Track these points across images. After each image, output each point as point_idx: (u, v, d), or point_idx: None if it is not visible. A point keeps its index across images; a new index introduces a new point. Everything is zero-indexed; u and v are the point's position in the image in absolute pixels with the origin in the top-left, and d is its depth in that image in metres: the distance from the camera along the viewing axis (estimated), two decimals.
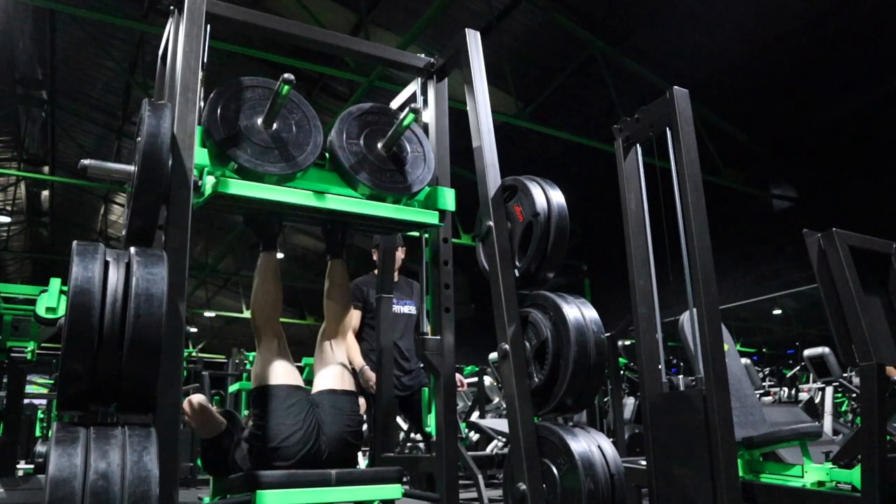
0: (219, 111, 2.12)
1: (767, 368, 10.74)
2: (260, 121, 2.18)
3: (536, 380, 2.28)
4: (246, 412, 6.67)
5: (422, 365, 3.58)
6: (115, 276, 1.55)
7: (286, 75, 2.03)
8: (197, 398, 2.40)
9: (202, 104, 2.13)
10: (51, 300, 4.45)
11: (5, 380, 5.33)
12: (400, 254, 3.90)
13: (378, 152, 2.38)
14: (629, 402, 7.24)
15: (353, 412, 2.43)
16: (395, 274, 3.98)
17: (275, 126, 2.20)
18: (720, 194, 9.42)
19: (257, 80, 2.28)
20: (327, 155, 2.33)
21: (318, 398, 2.43)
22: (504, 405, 2.41)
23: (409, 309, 4.21)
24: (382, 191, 2.33)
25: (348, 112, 2.42)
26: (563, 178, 2.67)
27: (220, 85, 2.20)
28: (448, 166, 2.69)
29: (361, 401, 2.59)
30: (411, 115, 2.27)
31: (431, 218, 2.45)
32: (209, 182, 2.08)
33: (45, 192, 16.81)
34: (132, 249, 1.63)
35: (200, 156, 2.08)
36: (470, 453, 4.93)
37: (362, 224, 2.58)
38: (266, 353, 2.43)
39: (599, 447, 2.16)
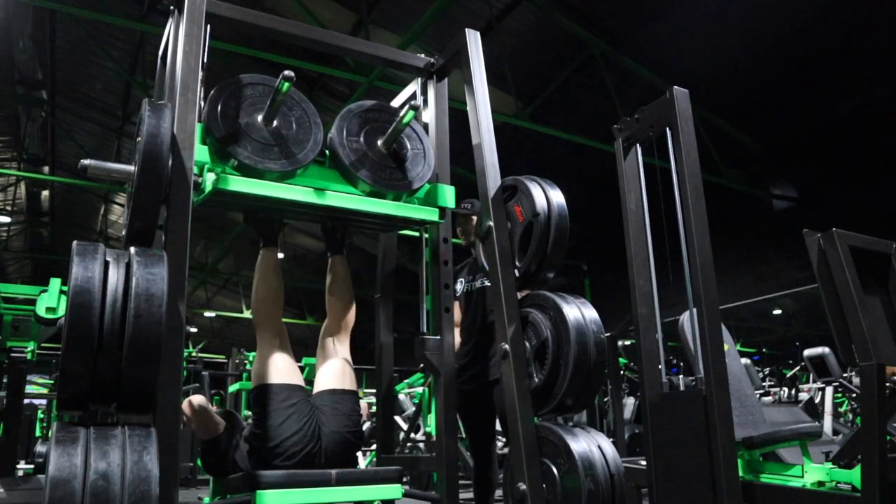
0: (219, 108, 2.13)
1: (767, 368, 10.73)
2: (260, 118, 2.18)
3: (536, 380, 2.28)
4: (246, 412, 6.68)
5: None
6: (115, 276, 1.55)
7: (286, 72, 2.04)
8: (197, 399, 2.40)
9: (202, 104, 2.14)
10: (51, 300, 4.45)
11: (5, 380, 5.33)
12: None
13: (378, 149, 2.38)
14: (629, 402, 7.25)
15: (353, 412, 2.43)
16: None
17: (275, 123, 2.20)
18: (720, 194, 9.42)
19: (257, 77, 2.28)
20: (327, 152, 2.33)
21: (319, 397, 2.43)
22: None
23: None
24: (382, 188, 2.34)
25: (348, 109, 2.42)
26: (563, 178, 2.67)
27: (219, 83, 2.20)
28: (448, 166, 2.69)
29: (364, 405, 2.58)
30: (411, 113, 2.28)
31: (431, 215, 2.46)
32: (209, 179, 2.08)
33: (45, 192, 16.80)
34: (132, 249, 1.63)
35: (201, 153, 2.08)
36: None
37: (362, 221, 2.58)
38: (267, 350, 2.42)
39: (599, 447, 2.16)
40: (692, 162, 2.26)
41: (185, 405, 2.36)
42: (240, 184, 2.11)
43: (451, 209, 2.58)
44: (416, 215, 2.44)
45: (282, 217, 2.60)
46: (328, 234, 2.70)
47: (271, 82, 2.23)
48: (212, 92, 2.16)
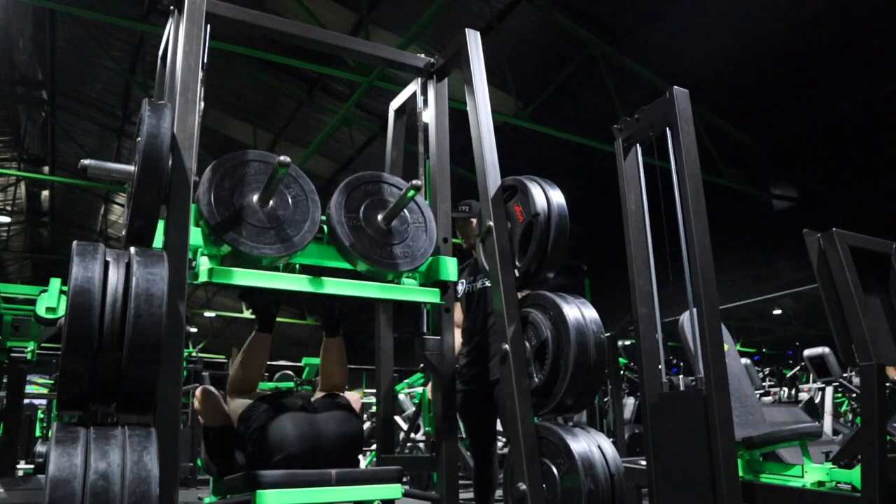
0: (213, 192, 2.06)
1: (767, 368, 10.73)
2: (255, 198, 2.12)
3: (536, 380, 2.28)
4: None
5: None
6: (115, 276, 1.55)
7: (282, 158, 1.97)
8: (207, 386, 2.47)
9: (202, 105, 2.13)
10: (51, 300, 4.45)
11: (5, 380, 5.34)
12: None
13: (377, 225, 2.32)
14: (629, 402, 7.25)
15: (353, 411, 2.43)
16: None
17: (271, 203, 2.14)
18: (720, 194, 9.42)
19: (253, 154, 2.23)
20: (325, 228, 2.29)
21: (319, 398, 2.43)
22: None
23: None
24: (382, 269, 2.28)
25: (347, 183, 2.37)
26: (563, 178, 2.66)
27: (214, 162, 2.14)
28: (448, 167, 2.69)
29: (356, 398, 2.58)
30: (412, 192, 2.24)
31: (433, 297, 2.40)
32: (203, 264, 2.04)
33: (45, 192, 16.81)
34: (132, 249, 1.63)
35: (194, 236, 2.03)
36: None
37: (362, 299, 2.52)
38: (238, 402, 2.41)
39: (599, 447, 2.16)
40: (692, 162, 2.26)
41: (197, 391, 2.43)
42: (236, 276, 2.05)
43: (454, 281, 2.52)
44: (416, 298, 2.39)
45: (279, 300, 2.52)
46: (327, 312, 2.62)
47: (267, 159, 2.19)
48: (205, 172, 2.09)
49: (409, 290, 2.37)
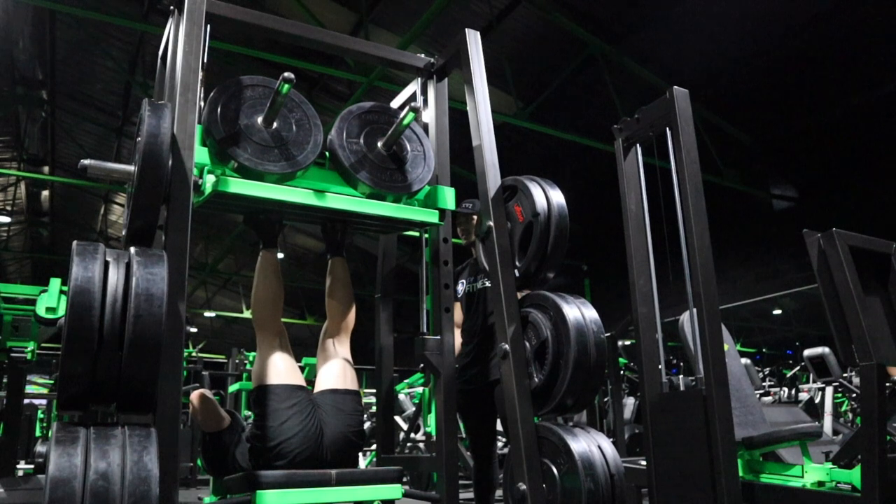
0: (219, 110, 2.12)
1: (767, 368, 10.74)
2: (260, 119, 2.18)
3: (536, 380, 2.28)
4: (246, 412, 6.68)
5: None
6: (115, 276, 1.55)
7: (286, 74, 2.04)
8: (203, 390, 2.44)
9: (202, 104, 2.13)
10: (51, 300, 4.45)
11: (5, 380, 5.33)
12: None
13: (378, 151, 2.38)
14: (629, 402, 7.24)
15: (355, 411, 2.42)
16: None
17: (275, 125, 2.20)
18: (720, 194, 9.42)
19: (257, 78, 2.28)
20: (327, 154, 2.33)
21: (320, 397, 2.43)
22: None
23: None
24: (382, 190, 2.33)
25: (348, 111, 2.42)
26: (563, 178, 2.67)
27: (219, 84, 2.20)
28: (448, 166, 2.69)
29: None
30: (411, 114, 2.27)
31: (431, 217, 2.45)
32: (209, 180, 2.08)
33: (45, 192, 16.80)
34: (132, 249, 1.63)
35: (201, 154, 2.08)
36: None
37: (362, 223, 2.58)
38: (266, 351, 2.42)
39: (599, 447, 2.16)
40: (692, 162, 2.26)
41: (193, 396, 2.41)
42: (239, 186, 2.11)
43: (452, 210, 2.58)
44: (416, 217, 2.44)
45: (281, 219, 2.59)
46: (328, 235, 2.69)
47: (271, 84, 2.23)
48: (211, 94, 2.16)
49: (409, 210, 2.42)
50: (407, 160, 2.43)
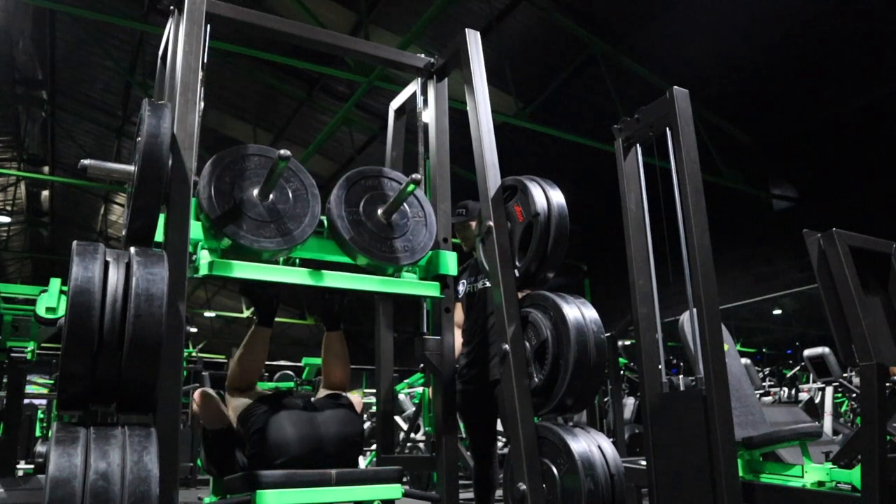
0: (213, 185, 2.06)
1: (767, 368, 10.73)
2: (256, 192, 2.11)
3: (536, 380, 2.28)
4: None
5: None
6: (115, 276, 1.55)
7: (283, 152, 1.98)
8: (205, 389, 2.45)
9: (201, 104, 2.13)
10: (51, 300, 4.45)
11: (5, 380, 5.33)
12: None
13: (377, 219, 2.32)
14: (629, 402, 7.25)
15: (355, 412, 2.43)
16: None
17: (271, 197, 2.13)
18: (720, 194, 9.41)
19: (254, 147, 2.22)
20: (325, 221, 2.29)
21: (320, 397, 2.43)
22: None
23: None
24: (382, 262, 2.28)
25: (347, 178, 2.37)
26: (563, 178, 2.66)
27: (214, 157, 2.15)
28: (448, 167, 2.69)
29: (357, 399, 2.58)
30: (412, 186, 2.24)
31: (432, 290, 2.40)
32: (204, 258, 2.04)
33: (45, 192, 16.81)
34: (132, 249, 1.63)
35: (194, 229, 2.03)
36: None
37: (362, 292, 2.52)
38: (238, 397, 2.41)
39: (599, 447, 2.16)
40: (692, 162, 2.26)
41: (195, 394, 2.42)
42: (236, 269, 2.05)
43: (454, 276, 2.52)
44: (417, 292, 2.39)
45: (279, 293, 2.52)
46: (326, 306, 2.62)
47: (269, 153, 2.19)
48: (206, 166, 2.09)
49: (410, 284, 2.37)
50: (408, 227, 2.37)
